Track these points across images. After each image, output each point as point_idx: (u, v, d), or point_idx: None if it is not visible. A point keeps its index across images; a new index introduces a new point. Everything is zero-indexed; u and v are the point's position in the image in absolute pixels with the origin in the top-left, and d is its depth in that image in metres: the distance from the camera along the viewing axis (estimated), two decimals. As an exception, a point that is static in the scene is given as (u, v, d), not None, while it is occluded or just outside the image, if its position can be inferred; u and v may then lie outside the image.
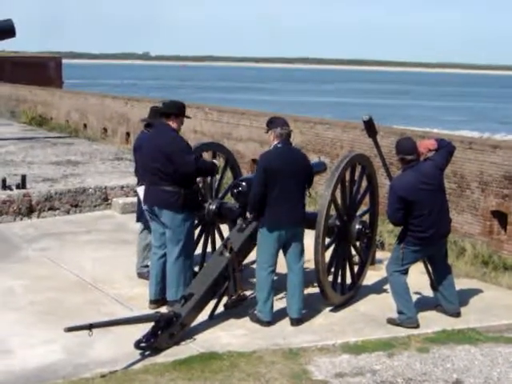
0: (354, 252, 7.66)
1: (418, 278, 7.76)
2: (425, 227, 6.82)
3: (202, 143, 8.68)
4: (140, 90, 77.05)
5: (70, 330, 5.78)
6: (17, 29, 18.72)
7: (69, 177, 12.66)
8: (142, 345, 6.11)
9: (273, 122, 6.96)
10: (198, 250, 8.03)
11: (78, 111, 23.03)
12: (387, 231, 9.70)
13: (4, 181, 11.33)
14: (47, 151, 16.10)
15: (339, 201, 7.28)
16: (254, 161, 13.54)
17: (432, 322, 7.05)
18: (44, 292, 7.71)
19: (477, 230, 9.74)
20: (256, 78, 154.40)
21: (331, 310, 7.30)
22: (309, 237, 7.10)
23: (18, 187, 11.28)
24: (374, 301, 7.64)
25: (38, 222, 10.99)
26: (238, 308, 6.99)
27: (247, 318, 6.98)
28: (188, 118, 7.43)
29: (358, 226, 7.30)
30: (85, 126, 22.33)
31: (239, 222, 7.35)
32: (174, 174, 6.93)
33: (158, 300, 7.25)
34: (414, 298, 7.29)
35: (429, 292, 7.53)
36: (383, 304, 7.41)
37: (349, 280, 7.59)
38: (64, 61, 40.45)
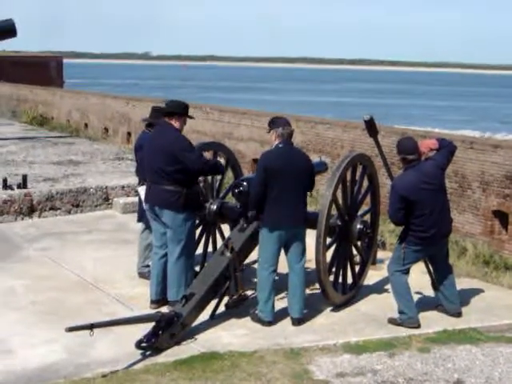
0: (355, 252, 7.67)
1: (419, 278, 7.76)
2: (426, 227, 6.82)
3: (203, 143, 8.68)
4: (141, 89, 77.05)
5: (71, 329, 5.78)
6: (18, 28, 18.74)
7: (70, 176, 12.66)
8: (143, 345, 6.11)
9: (275, 122, 6.96)
10: (199, 250, 8.03)
11: (79, 111, 23.04)
12: (388, 231, 9.70)
13: (5, 180, 11.34)
14: (48, 151, 16.11)
15: (340, 200, 7.28)
16: (254, 161, 13.52)
17: (433, 321, 7.05)
18: (45, 292, 7.71)
19: (478, 230, 9.74)
20: (257, 78, 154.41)
21: (332, 310, 7.30)
22: (310, 236, 7.10)
23: (19, 187, 11.29)
24: (375, 301, 7.64)
25: (39, 221, 10.99)
26: (239, 308, 6.99)
27: (248, 318, 6.98)
28: (191, 118, 7.43)
29: (359, 226, 7.30)
30: (86, 125, 22.32)
31: (240, 221, 7.35)
32: (176, 174, 6.94)
33: (159, 300, 7.25)
34: (415, 297, 7.29)
35: (430, 292, 7.53)
36: (384, 304, 7.41)
37: (350, 280, 7.59)
38: (65, 60, 40.48)
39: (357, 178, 7.57)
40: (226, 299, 6.94)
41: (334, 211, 7.16)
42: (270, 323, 6.86)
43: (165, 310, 6.88)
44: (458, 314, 7.21)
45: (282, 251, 6.94)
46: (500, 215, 9.49)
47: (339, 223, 7.25)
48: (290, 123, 7.04)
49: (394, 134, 10.79)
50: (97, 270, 8.49)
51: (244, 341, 6.49)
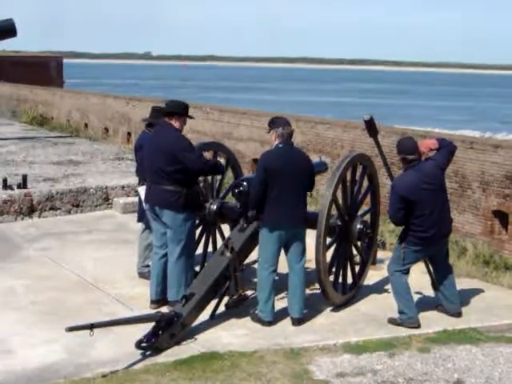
0: (355, 252, 7.67)
1: (419, 278, 7.76)
2: (426, 227, 6.82)
3: (203, 143, 8.69)
4: (141, 89, 77.04)
5: (71, 329, 5.78)
6: (18, 28, 18.73)
7: (70, 176, 12.66)
8: (143, 345, 6.11)
9: (275, 122, 6.96)
10: (199, 250, 8.03)
11: (79, 111, 23.03)
12: (388, 231, 9.70)
13: (5, 180, 11.34)
14: (48, 151, 16.10)
15: (340, 200, 7.28)
16: (254, 161, 13.53)
17: (433, 321, 7.05)
18: (45, 292, 7.71)
19: (478, 230, 9.74)
20: (257, 78, 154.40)
21: (332, 310, 7.30)
22: (310, 236, 7.10)
23: (19, 187, 11.29)
24: (375, 301, 7.64)
25: (39, 221, 10.99)
26: (239, 308, 6.99)
27: (248, 318, 6.98)
28: (191, 118, 7.43)
29: (359, 226, 7.30)
30: (86, 125, 22.32)
31: (240, 221, 7.35)
32: (176, 174, 6.94)
33: (159, 300, 7.25)
34: (415, 297, 7.29)
35: (430, 292, 7.53)
36: (384, 304, 7.41)
37: (350, 280, 7.59)
38: (65, 60, 40.47)
39: (357, 177, 7.57)
40: (226, 299, 6.94)
41: (334, 211, 7.16)
42: (270, 323, 6.86)
43: (165, 310, 6.88)
44: (458, 314, 7.21)
45: (282, 251, 6.94)
46: (500, 215, 9.49)
47: (339, 223, 7.25)
48: (290, 123, 7.03)
49: (394, 134, 10.80)
50: (97, 270, 8.49)
51: (244, 341, 6.49)
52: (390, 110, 58.56)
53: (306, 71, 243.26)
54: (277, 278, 7.03)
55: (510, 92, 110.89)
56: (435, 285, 7.32)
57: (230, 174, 8.78)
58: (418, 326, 6.87)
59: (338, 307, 7.33)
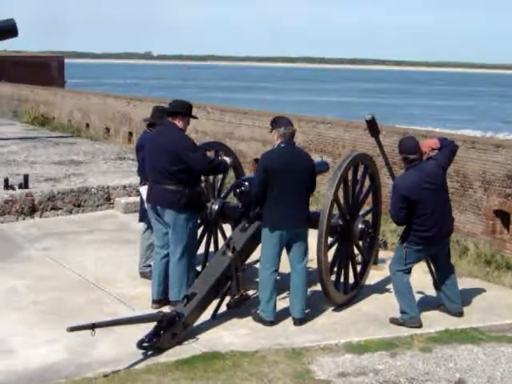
0: (356, 251, 7.66)
1: (421, 278, 7.76)
2: (428, 226, 6.81)
3: (204, 143, 8.69)
4: (142, 89, 77.06)
5: (72, 329, 5.79)
6: (19, 28, 18.74)
7: (71, 176, 12.66)
8: (145, 344, 6.11)
9: (277, 122, 6.95)
10: (201, 250, 8.02)
11: (80, 111, 23.04)
12: (390, 230, 9.70)
13: (6, 180, 11.34)
14: (49, 151, 16.11)
15: (342, 200, 7.27)
16: (256, 160, 13.52)
17: (435, 321, 7.04)
18: (46, 292, 7.72)
19: (479, 230, 9.73)
20: (257, 78, 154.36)
21: (334, 310, 7.30)
22: (311, 236, 7.10)
23: (20, 187, 11.29)
24: (377, 300, 7.64)
25: (41, 221, 10.99)
26: (241, 308, 6.99)
27: (250, 318, 6.98)
28: (194, 118, 7.43)
29: (360, 226, 7.29)
30: (87, 125, 22.33)
31: (242, 221, 7.35)
32: (180, 174, 6.94)
33: (161, 300, 7.25)
34: (417, 297, 7.29)
35: (432, 291, 7.53)
36: (386, 303, 7.41)
37: (351, 279, 7.58)
38: (66, 60, 40.45)
39: (358, 177, 7.56)
40: (227, 299, 6.93)
41: (335, 211, 7.15)
42: (271, 323, 6.86)
43: (166, 309, 6.88)
44: (460, 314, 7.20)
45: (284, 251, 6.94)
46: (501, 215, 9.48)
47: (341, 223, 7.25)
48: (292, 123, 7.03)
49: (396, 134, 10.79)
50: (98, 270, 8.49)
51: (246, 341, 6.49)
52: (390, 109, 58.56)
53: (306, 71, 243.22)
54: (278, 277, 7.03)
55: (511, 92, 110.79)
56: (437, 284, 7.31)
57: (231, 173, 8.78)
58: (420, 326, 6.87)
59: (339, 307, 7.33)
